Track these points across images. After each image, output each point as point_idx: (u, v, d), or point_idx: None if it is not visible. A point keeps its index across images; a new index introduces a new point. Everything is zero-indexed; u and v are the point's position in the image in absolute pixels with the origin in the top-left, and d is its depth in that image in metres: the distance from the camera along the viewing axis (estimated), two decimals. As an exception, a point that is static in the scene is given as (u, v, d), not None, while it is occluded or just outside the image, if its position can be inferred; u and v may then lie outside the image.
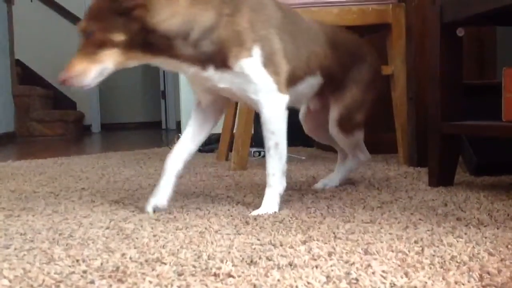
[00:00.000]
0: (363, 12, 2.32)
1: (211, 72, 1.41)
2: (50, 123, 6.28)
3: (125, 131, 7.77)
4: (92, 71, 1.35)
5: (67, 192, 1.84)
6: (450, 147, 1.74)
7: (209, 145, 3.29)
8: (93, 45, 1.34)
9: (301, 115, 1.81)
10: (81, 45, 1.36)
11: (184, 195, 1.71)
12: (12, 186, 2.01)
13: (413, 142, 2.25)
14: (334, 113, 1.66)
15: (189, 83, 1.55)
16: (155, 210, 1.46)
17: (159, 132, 6.94)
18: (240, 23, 1.39)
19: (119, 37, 1.34)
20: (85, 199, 1.70)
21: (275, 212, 1.40)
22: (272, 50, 1.42)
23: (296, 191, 1.72)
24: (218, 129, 2.86)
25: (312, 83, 1.58)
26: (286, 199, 1.59)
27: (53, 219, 1.41)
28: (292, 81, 1.48)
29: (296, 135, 3.63)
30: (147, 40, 1.35)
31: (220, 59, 1.39)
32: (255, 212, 1.40)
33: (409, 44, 2.26)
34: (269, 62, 1.41)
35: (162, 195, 1.48)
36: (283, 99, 1.43)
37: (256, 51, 1.40)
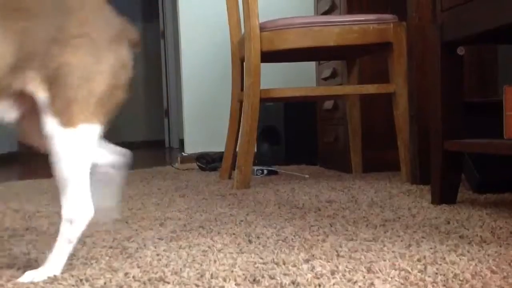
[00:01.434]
0: (364, 31, 2.34)
1: None
2: (53, 143, 6.28)
3: (128, 149, 7.78)
4: None
5: (70, 212, 1.84)
6: (452, 164, 1.74)
7: (212, 163, 3.29)
8: None
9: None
10: None
11: (187, 213, 1.72)
12: (15, 206, 2.02)
13: (415, 160, 2.25)
14: (37, 96, 1.05)
15: None
16: None
17: (162, 151, 6.94)
18: None
19: None
20: (88, 219, 1.70)
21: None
22: None
23: (299, 209, 1.72)
24: (221, 148, 2.87)
25: None
26: (289, 217, 1.59)
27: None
28: None
29: (299, 153, 3.61)
30: None
31: None
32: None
33: (410, 62, 2.27)
34: None
35: None
36: None
37: None
